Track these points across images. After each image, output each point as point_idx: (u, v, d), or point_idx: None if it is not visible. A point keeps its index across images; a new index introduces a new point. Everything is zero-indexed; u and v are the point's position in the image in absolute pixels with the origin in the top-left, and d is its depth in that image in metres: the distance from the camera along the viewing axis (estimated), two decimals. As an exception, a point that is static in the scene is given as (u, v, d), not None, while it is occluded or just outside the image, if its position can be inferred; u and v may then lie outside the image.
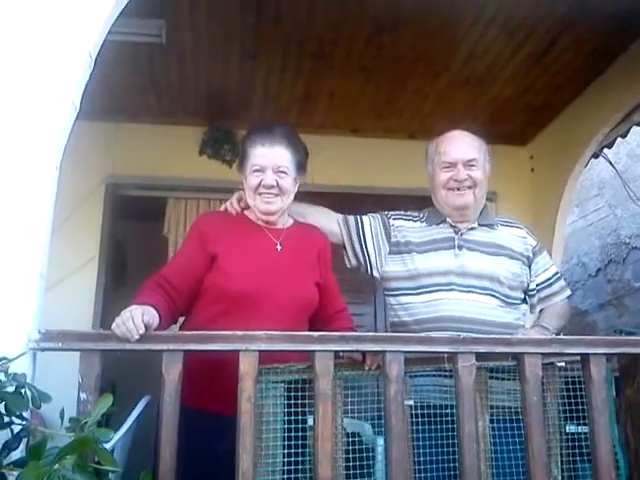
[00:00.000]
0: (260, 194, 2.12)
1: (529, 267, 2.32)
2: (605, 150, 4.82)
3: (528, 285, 2.32)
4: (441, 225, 2.31)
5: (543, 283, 2.34)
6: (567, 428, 1.94)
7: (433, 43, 3.39)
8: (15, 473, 1.34)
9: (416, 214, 2.39)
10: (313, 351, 1.71)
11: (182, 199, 4.17)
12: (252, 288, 2.02)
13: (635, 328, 5.11)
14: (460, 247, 2.24)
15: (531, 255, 2.33)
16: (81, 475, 1.27)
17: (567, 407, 1.97)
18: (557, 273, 2.40)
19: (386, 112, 4.02)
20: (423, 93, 3.91)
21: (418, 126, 4.19)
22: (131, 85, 3.66)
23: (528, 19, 3.23)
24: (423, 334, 1.92)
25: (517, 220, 4.34)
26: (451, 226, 2.30)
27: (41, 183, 1.72)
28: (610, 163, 4.96)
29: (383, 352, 1.73)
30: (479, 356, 1.77)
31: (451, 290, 2.17)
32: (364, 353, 1.84)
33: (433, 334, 1.90)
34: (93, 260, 3.91)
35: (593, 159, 4.84)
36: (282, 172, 2.12)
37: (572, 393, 1.93)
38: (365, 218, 2.40)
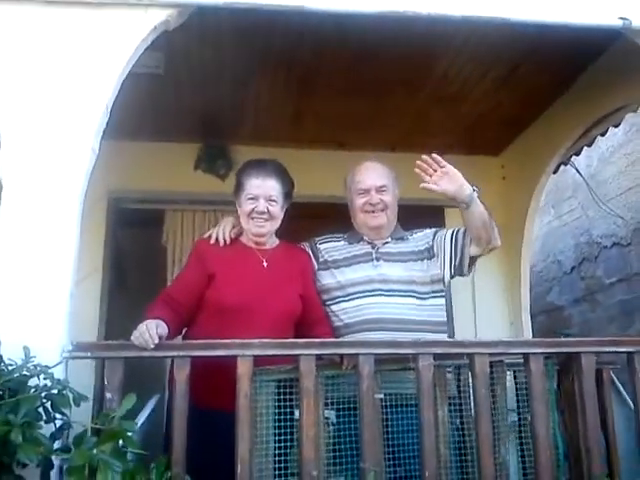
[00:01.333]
0: (253, 218, 2.49)
1: (434, 253, 2.64)
2: (575, 156, 5.12)
3: (444, 269, 2.62)
4: (360, 242, 2.68)
5: (452, 242, 2.63)
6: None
7: (408, 67, 3.65)
8: (60, 458, 1.68)
9: (339, 235, 2.75)
10: (299, 355, 2.05)
11: (179, 211, 4.41)
12: (242, 301, 2.40)
13: (607, 322, 5.46)
14: (378, 259, 2.62)
15: (431, 242, 2.67)
16: (114, 457, 1.61)
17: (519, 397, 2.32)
18: (453, 230, 2.68)
19: (368, 128, 4.30)
20: (402, 111, 4.19)
21: (399, 139, 4.49)
22: (130, 108, 3.88)
23: (493, 47, 3.52)
24: (390, 339, 2.26)
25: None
26: (368, 242, 2.66)
27: (69, 216, 2.06)
28: (577, 171, 5.25)
29: (357, 354, 2.08)
30: (437, 356, 2.12)
31: (378, 295, 2.53)
32: (341, 355, 2.19)
33: (398, 339, 2.24)
34: (97, 270, 4.14)
35: (563, 165, 5.14)
36: (272, 201, 2.50)
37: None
38: None
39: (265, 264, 2.54)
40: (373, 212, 2.64)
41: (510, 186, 4.80)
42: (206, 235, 2.61)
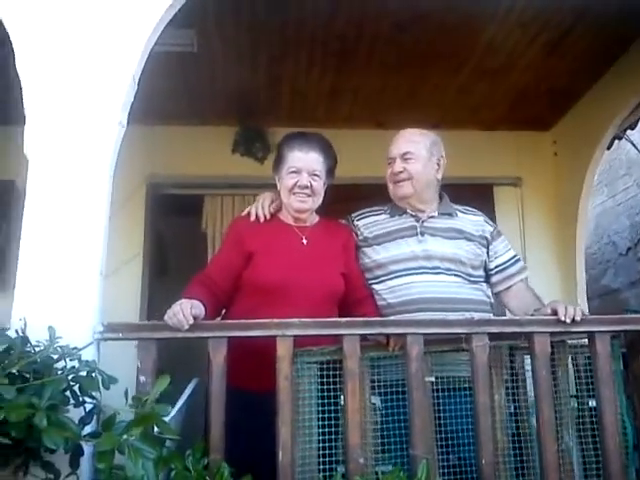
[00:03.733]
0: (294, 193, 2.36)
1: (487, 248, 2.49)
2: (630, 131, 4.87)
3: (487, 265, 2.49)
4: (403, 215, 2.49)
5: (500, 265, 2.50)
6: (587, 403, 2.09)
7: (451, 39, 3.50)
8: (89, 443, 1.58)
9: (380, 208, 2.57)
10: (342, 335, 1.92)
11: (218, 196, 4.38)
12: (281, 280, 2.26)
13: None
14: (422, 233, 2.43)
15: (489, 237, 2.51)
16: (145, 443, 1.51)
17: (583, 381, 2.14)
18: (515, 256, 2.56)
19: (409, 105, 4.14)
20: (444, 86, 4.03)
21: (441, 117, 4.30)
22: (165, 90, 3.84)
23: (541, 12, 3.33)
24: (440, 317, 2.10)
25: (542, 204, 4.50)
26: (412, 215, 2.48)
27: (98, 192, 1.97)
28: (633, 145, 4.99)
29: (404, 334, 1.93)
30: (492, 336, 1.96)
31: (422, 273, 2.36)
32: (388, 336, 2.04)
33: (449, 317, 2.09)
34: (138, 256, 4.15)
35: (617, 140, 4.89)
36: (315, 175, 2.36)
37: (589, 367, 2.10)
38: None
39: (305, 242, 2.40)
40: (398, 182, 2.46)
41: (562, 163, 4.59)
42: (244, 213, 2.48)
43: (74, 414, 1.65)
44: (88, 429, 1.70)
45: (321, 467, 1.93)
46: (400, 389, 2.01)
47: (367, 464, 1.90)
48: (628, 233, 5.86)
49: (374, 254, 2.46)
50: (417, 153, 2.46)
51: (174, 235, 5.06)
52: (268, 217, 2.42)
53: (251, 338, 1.92)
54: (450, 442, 2.01)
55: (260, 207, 2.43)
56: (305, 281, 2.28)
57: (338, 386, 1.95)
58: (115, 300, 3.63)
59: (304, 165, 2.36)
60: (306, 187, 2.35)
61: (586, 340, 2.07)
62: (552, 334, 1.98)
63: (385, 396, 2.07)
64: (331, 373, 1.97)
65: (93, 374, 1.65)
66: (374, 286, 2.44)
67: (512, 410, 2.11)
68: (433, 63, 3.77)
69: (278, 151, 2.46)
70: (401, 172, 2.45)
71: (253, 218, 2.42)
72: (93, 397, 1.68)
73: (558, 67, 3.88)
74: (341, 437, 1.92)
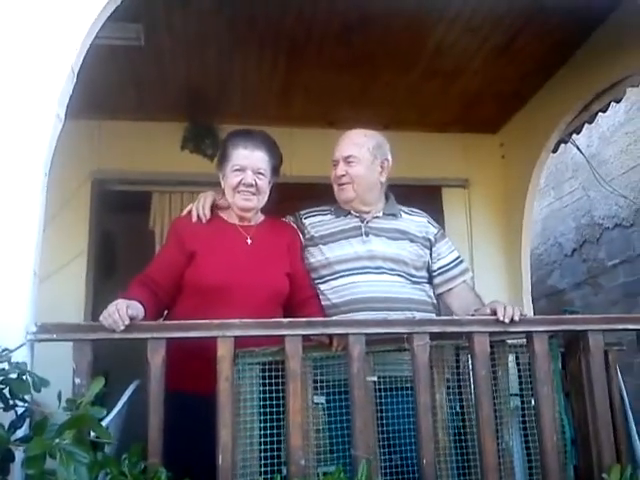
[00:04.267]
0: (239, 192, 2.32)
1: (430, 250, 2.52)
2: (575, 135, 4.99)
3: (430, 266, 2.52)
4: (348, 216, 2.50)
5: (443, 267, 2.54)
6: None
7: (399, 40, 3.52)
8: (21, 448, 1.52)
9: (326, 207, 2.57)
10: (284, 335, 1.90)
11: (166, 193, 4.30)
12: (224, 280, 2.23)
13: (610, 305, 5.34)
14: (367, 234, 2.44)
15: (432, 239, 2.54)
16: (79, 447, 1.46)
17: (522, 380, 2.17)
18: (458, 258, 2.59)
19: (360, 104, 4.12)
20: (394, 86, 4.04)
21: (391, 117, 4.32)
22: (111, 84, 3.76)
23: (490, 16, 3.37)
24: (382, 317, 2.11)
25: (490, 205, 4.57)
26: (356, 216, 2.49)
27: (32, 189, 1.89)
28: (578, 149, 5.12)
29: (347, 334, 1.93)
30: (433, 335, 1.97)
31: (366, 273, 2.37)
32: (331, 336, 2.03)
33: (390, 317, 2.09)
34: (82, 254, 4.03)
35: (563, 144, 5.00)
36: (260, 174, 2.34)
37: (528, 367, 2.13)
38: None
39: (249, 241, 2.38)
40: (340, 185, 2.47)
41: (509, 165, 4.67)
42: (184, 212, 2.44)
43: (5, 418, 1.59)
44: (20, 433, 1.64)
45: (263, 469, 1.91)
46: (344, 389, 2.00)
47: (308, 465, 1.89)
48: (574, 235, 6.00)
49: (319, 254, 2.46)
50: (359, 156, 2.46)
51: (121, 233, 4.97)
52: (208, 217, 2.38)
53: (191, 339, 1.88)
54: (393, 442, 2.02)
55: (200, 207, 2.39)
56: (249, 281, 2.26)
57: (280, 387, 1.93)
58: (58, 301, 3.57)
59: (249, 163, 2.33)
60: (251, 185, 2.33)
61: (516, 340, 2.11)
62: (491, 334, 2.01)
63: (329, 396, 2.06)
64: (273, 374, 1.95)
65: (24, 376, 1.58)
66: (319, 286, 2.44)
67: (457, 409, 2.13)
68: (383, 62, 3.78)
69: (222, 148, 2.43)
70: (343, 175, 2.45)
71: (195, 219, 2.37)
72: (25, 400, 1.62)
73: (506, 71, 3.94)
74: (283, 438, 1.90)
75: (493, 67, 3.89)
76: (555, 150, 4.70)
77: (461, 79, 4.01)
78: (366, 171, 2.46)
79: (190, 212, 2.40)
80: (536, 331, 2.01)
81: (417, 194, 3.49)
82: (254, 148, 2.34)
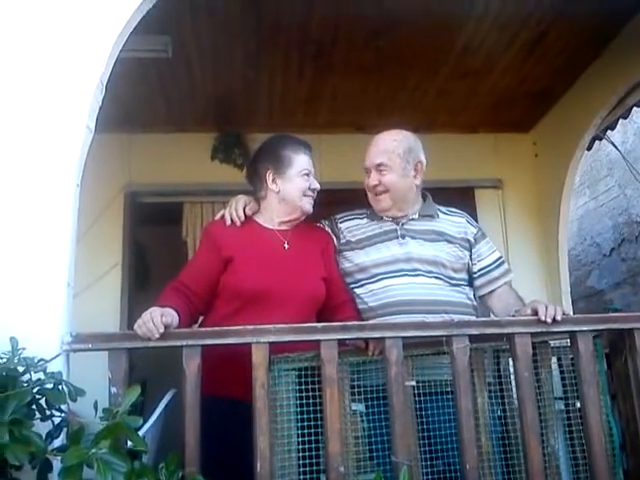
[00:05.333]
0: (306, 196, 2.35)
1: (470, 251, 2.45)
2: (610, 132, 4.88)
3: (470, 268, 2.44)
4: (384, 219, 2.45)
5: (484, 268, 2.46)
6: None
7: (428, 41, 3.49)
8: (58, 458, 1.52)
9: (361, 211, 2.52)
10: (319, 340, 1.87)
11: (197, 203, 4.32)
12: (262, 285, 2.21)
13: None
14: (403, 236, 2.39)
15: (472, 240, 2.46)
16: (115, 456, 1.45)
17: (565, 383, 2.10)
18: (499, 259, 2.51)
19: (388, 108, 4.11)
20: (423, 89, 4.01)
21: (421, 120, 4.27)
22: (141, 97, 3.82)
23: (518, 11, 3.33)
24: (418, 320, 2.06)
25: (524, 205, 4.49)
26: (392, 219, 2.44)
27: (64, 201, 1.90)
28: (613, 145, 5.00)
29: (383, 338, 1.89)
30: (472, 338, 1.92)
31: (402, 276, 2.31)
32: (367, 340, 1.99)
33: (428, 320, 2.05)
34: (117, 266, 4.08)
35: (598, 141, 4.90)
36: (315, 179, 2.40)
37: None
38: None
39: (287, 246, 2.36)
40: (376, 194, 2.42)
41: (543, 164, 4.59)
42: (218, 216, 2.43)
43: (42, 428, 1.59)
44: (57, 443, 1.64)
45: (301, 477, 1.87)
46: (382, 394, 1.96)
47: (348, 472, 1.85)
48: (611, 234, 5.88)
49: (356, 258, 2.42)
50: (390, 164, 2.39)
51: (154, 245, 5.01)
52: (243, 220, 2.37)
53: (225, 346, 1.86)
54: (435, 447, 1.96)
55: (234, 210, 2.37)
56: (287, 287, 2.23)
57: (318, 393, 1.90)
58: (95, 313, 3.62)
59: (312, 169, 2.39)
60: (316, 189, 2.38)
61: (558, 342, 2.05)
62: (533, 335, 1.94)
63: (367, 402, 2.02)
64: (310, 380, 1.92)
65: (60, 386, 1.58)
66: (355, 290, 2.40)
67: (499, 413, 2.07)
68: (411, 66, 3.76)
69: (279, 153, 2.38)
70: (377, 185, 2.40)
71: (228, 222, 2.36)
72: (61, 410, 1.62)
73: (537, 68, 3.89)
74: (322, 445, 1.87)
75: (523, 64, 3.84)
76: (590, 147, 4.61)
77: (490, 78, 3.96)
78: (399, 178, 2.39)
79: (223, 217, 2.38)
80: (580, 330, 1.94)
81: (450, 196, 3.40)
82: (312, 155, 2.42)
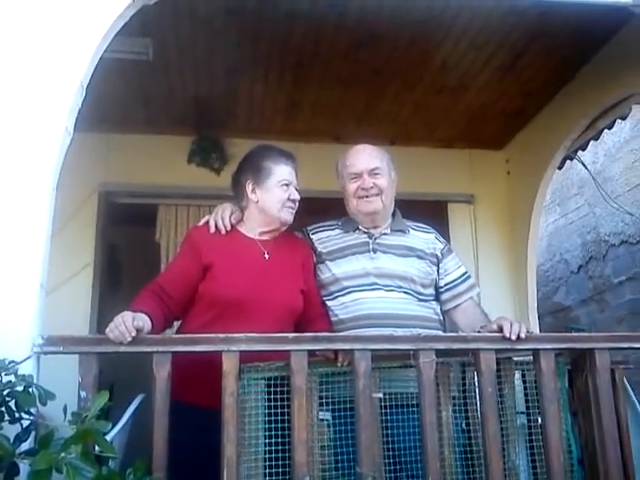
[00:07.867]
0: (286, 207, 2.37)
1: (437, 266, 2.51)
2: (581, 152, 4.99)
3: (437, 282, 2.51)
4: (356, 232, 2.50)
5: (450, 283, 2.52)
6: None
7: (407, 56, 3.54)
8: (26, 461, 1.52)
9: (333, 222, 2.58)
10: (289, 351, 1.89)
11: (172, 206, 4.31)
12: (239, 294, 2.23)
13: (616, 323, 5.31)
14: (375, 250, 2.44)
15: (439, 255, 2.53)
16: (84, 462, 1.45)
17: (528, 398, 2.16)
18: (465, 274, 2.58)
19: (366, 119, 4.16)
20: (400, 102, 4.06)
21: (398, 132, 4.34)
22: (120, 98, 3.79)
23: (495, 34, 3.40)
24: (387, 333, 2.10)
25: (495, 221, 4.57)
26: (365, 232, 2.49)
27: (40, 203, 1.91)
28: (584, 165, 5.11)
29: (352, 350, 1.92)
30: (439, 352, 1.96)
31: (373, 289, 2.37)
32: (336, 352, 2.03)
33: (396, 333, 2.09)
34: (88, 266, 4.03)
35: (569, 160, 5.00)
36: (296, 189, 2.42)
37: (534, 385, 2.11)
38: None
39: (267, 256, 2.38)
40: (367, 197, 2.46)
41: (515, 181, 4.67)
42: (201, 222, 2.43)
43: (11, 431, 1.59)
44: (25, 446, 1.64)
45: (267, 486, 1.89)
46: (349, 405, 1.99)
47: (313, 482, 1.88)
48: (579, 252, 5.98)
49: (327, 270, 2.45)
50: (383, 168, 2.48)
51: (127, 246, 4.96)
52: (229, 228, 2.38)
53: (196, 353, 1.88)
54: (399, 459, 2.00)
55: (220, 218, 2.38)
56: (266, 297, 2.26)
57: (286, 403, 1.93)
58: (64, 314, 3.56)
59: (292, 180, 2.40)
60: (295, 200, 2.40)
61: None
62: (498, 351, 2.00)
63: (335, 412, 2.05)
64: (279, 390, 1.94)
65: (30, 389, 1.58)
66: (327, 302, 2.43)
67: (464, 427, 2.12)
68: (389, 79, 3.80)
69: (259, 163, 2.41)
70: (372, 187, 2.45)
71: (213, 230, 2.37)
72: (30, 413, 1.62)
73: (512, 88, 3.96)
74: (288, 455, 1.89)
75: (499, 84, 3.91)
76: (561, 167, 4.69)
77: (467, 96, 4.03)
78: (389, 183, 2.49)
79: (207, 222, 2.39)
80: (543, 349, 2.00)
81: (423, 209, 3.49)
82: (294, 166, 2.43)
